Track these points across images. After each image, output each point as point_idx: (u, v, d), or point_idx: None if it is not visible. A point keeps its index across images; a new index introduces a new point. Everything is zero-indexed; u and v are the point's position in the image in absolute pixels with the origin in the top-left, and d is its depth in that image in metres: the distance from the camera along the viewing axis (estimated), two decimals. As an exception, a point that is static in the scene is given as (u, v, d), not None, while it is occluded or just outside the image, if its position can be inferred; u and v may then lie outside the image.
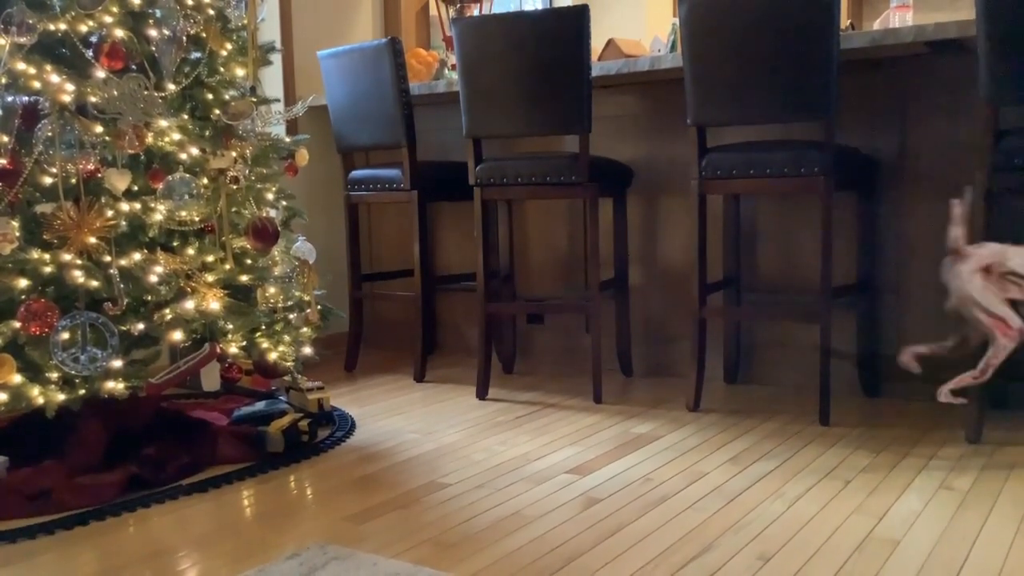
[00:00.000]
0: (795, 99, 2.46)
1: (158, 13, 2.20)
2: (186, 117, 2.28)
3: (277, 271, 2.41)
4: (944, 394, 2.32)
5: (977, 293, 2.24)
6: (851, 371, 2.87)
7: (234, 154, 2.27)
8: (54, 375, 2.00)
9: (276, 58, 2.89)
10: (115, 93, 2.04)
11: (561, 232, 3.48)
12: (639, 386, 3.08)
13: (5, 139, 2.01)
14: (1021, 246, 2.30)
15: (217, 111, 2.32)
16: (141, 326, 2.13)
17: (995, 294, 2.24)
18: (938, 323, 2.77)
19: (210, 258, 2.25)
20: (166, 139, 2.20)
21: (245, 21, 2.42)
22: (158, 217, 2.15)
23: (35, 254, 2.00)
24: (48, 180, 2.04)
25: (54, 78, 2.02)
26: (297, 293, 2.46)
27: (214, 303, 2.19)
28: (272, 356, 2.41)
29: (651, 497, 2.00)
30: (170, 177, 2.14)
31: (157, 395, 2.32)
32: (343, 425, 2.63)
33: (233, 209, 2.32)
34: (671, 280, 3.23)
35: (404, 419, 2.72)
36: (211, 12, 2.31)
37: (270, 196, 2.47)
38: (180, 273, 2.17)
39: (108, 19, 2.11)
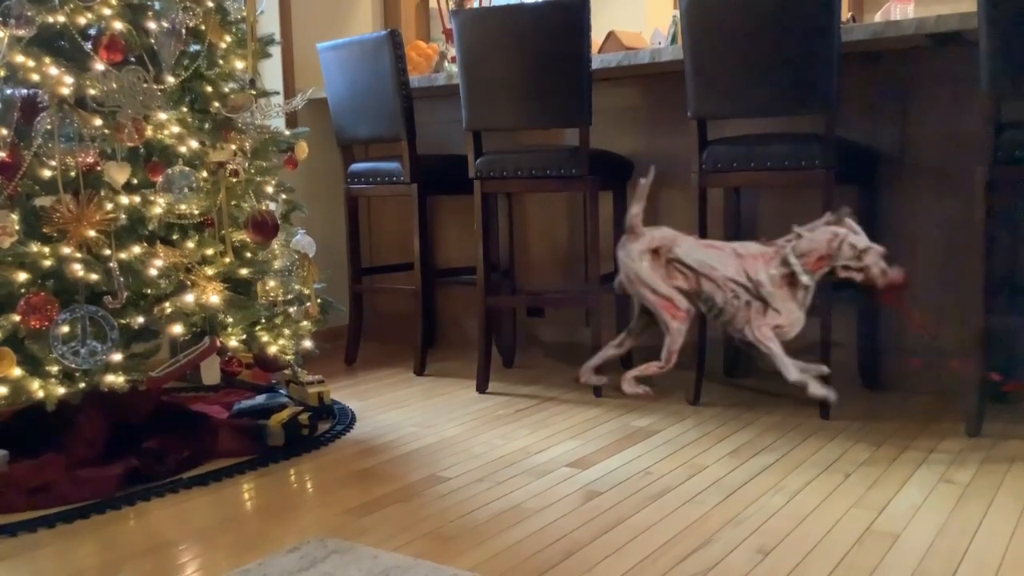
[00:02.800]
0: (796, 92, 2.46)
1: (157, 5, 2.19)
2: (185, 110, 2.27)
3: (277, 264, 2.41)
4: (628, 382, 2.34)
5: (644, 274, 2.27)
6: (851, 364, 2.87)
7: (233, 147, 2.27)
8: (54, 368, 2.00)
9: (275, 51, 2.89)
10: (114, 86, 2.04)
11: (561, 225, 3.48)
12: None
13: (4, 132, 2.01)
14: (691, 236, 2.33)
15: (216, 104, 2.32)
16: (141, 319, 2.13)
17: (663, 276, 2.27)
18: (937, 316, 2.77)
19: (210, 251, 2.24)
20: (165, 132, 2.20)
21: (244, 13, 2.42)
22: (158, 210, 2.14)
23: (35, 247, 2.00)
24: (47, 173, 2.04)
25: (53, 71, 2.01)
26: (297, 287, 2.46)
27: (214, 296, 2.19)
28: (272, 350, 2.41)
29: (651, 490, 2.00)
30: (169, 170, 2.14)
31: (157, 389, 2.32)
32: (343, 419, 2.63)
33: (233, 202, 2.31)
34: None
35: (404, 412, 2.73)
36: (210, 4, 2.30)
37: (270, 189, 2.46)
38: (180, 266, 2.16)
39: (107, 11, 2.11)
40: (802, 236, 2.27)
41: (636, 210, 2.31)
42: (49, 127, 1.99)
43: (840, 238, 2.22)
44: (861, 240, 2.24)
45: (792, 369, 2.23)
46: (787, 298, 2.23)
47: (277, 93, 2.66)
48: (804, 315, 2.27)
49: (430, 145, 3.59)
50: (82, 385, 2.04)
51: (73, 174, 2.04)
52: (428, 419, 2.64)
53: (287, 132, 2.56)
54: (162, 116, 2.17)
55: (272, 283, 2.38)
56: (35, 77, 2.02)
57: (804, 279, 2.21)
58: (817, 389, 2.19)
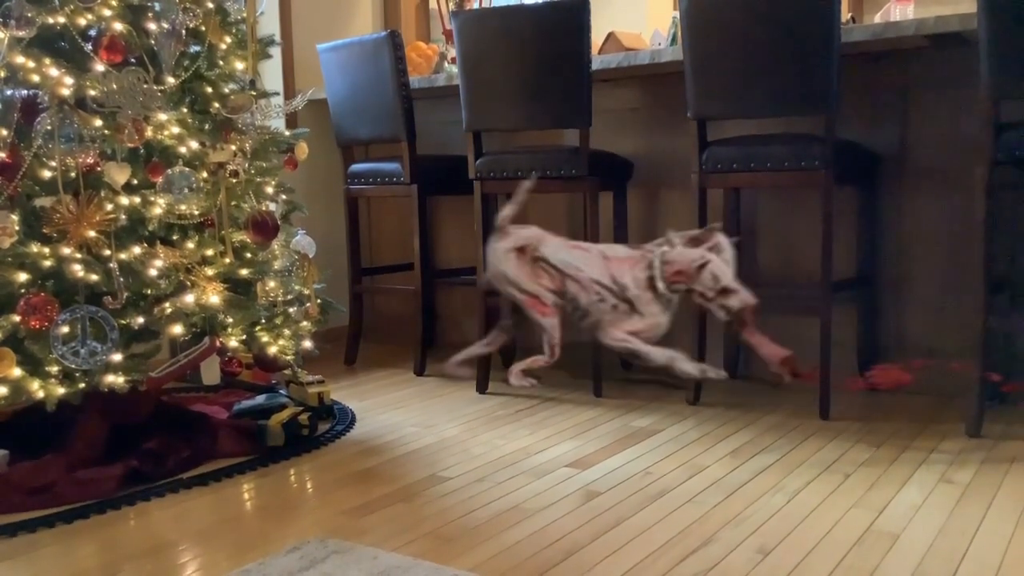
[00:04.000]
0: (796, 93, 2.46)
1: (157, 6, 2.19)
2: (185, 111, 2.27)
3: (277, 265, 2.41)
4: (515, 375, 2.37)
5: (510, 272, 2.30)
6: (851, 364, 2.87)
7: (234, 148, 2.27)
8: (54, 369, 2.00)
9: (275, 51, 2.89)
10: (114, 87, 2.04)
11: (561, 226, 3.48)
12: (639, 380, 3.08)
13: (4, 133, 2.01)
14: (559, 237, 2.35)
15: (216, 105, 2.32)
16: (141, 320, 2.13)
17: (527, 274, 2.29)
18: (937, 316, 2.78)
19: (210, 252, 2.24)
20: (165, 133, 2.20)
21: (244, 14, 2.42)
22: (158, 211, 2.14)
23: (35, 248, 2.00)
24: (47, 174, 2.04)
25: (53, 71, 2.02)
26: (297, 287, 2.46)
27: (214, 297, 2.19)
28: (272, 350, 2.41)
29: (651, 491, 2.00)
30: (169, 171, 2.14)
31: (157, 389, 2.32)
32: (343, 419, 2.63)
33: (233, 203, 2.31)
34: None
35: (404, 413, 2.73)
36: (210, 5, 2.30)
37: (270, 190, 2.46)
38: (180, 267, 2.16)
39: (107, 12, 2.11)
40: (674, 241, 2.26)
41: (507, 212, 2.36)
42: (49, 128, 1.99)
43: (706, 263, 2.17)
44: (727, 276, 2.17)
45: (657, 353, 2.22)
46: (651, 301, 2.22)
47: (277, 94, 2.66)
48: (667, 319, 2.26)
49: (430, 146, 3.59)
50: (82, 385, 2.04)
51: (73, 175, 2.04)
52: (428, 419, 2.64)
53: (287, 133, 2.56)
54: (162, 117, 2.17)
55: (272, 283, 2.38)
56: (35, 78, 2.02)
57: (660, 285, 2.20)
58: (690, 366, 2.18)
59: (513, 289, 2.32)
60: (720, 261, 2.19)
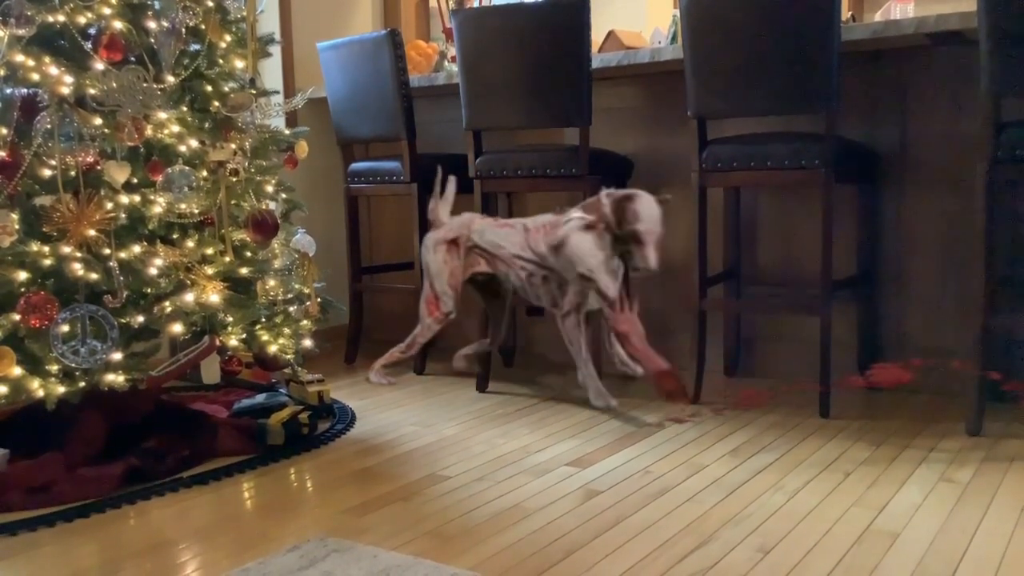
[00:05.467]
0: (796, 91, 2.46)
1: (157, 5, 2.19)
2: (185, 109, 2.27)
3: (277, 264, 2.41)
4: (375, 372, 2.38)
5: (434, 265, 2.30)
6: (851, 363, 2.87)
7: (233, 146, 2.27)
8: (54, 368, 2.00)
9: (275, 50, 2.89)
10: (114, 85, 2.04)
11: (561, 225, 3.48)
12: (639, 379, 3.08)
13: (4, 131, 2.01)
14: (489, 218, 2.35)
15: (216, 103, 2.32)
16: (141, 319, 2.13)
17: (452, 271, 2.31)
18: (937, 316, 2.78)
19: (210, 251, 2.24)
20: (165, 131, 2.20)
21: (244, 13, 2.41)
22: (157, 209, 2.14)
23: (35, 247, 2.00)
24: (47, 172, 2.04)
25: (53, 70, 2.01)
26: (297, 286, 2.46)
27: (214, 296, 2.19)
28: (272, 349, 2.41)
29: (651, 489, 2.00)
30: (169, 169, 2.14)
31: (157, 388, 2.32)
32: (343, 418, 2.63)
33: (233, 201, 2.31)
34: (671, 273, 3.22)
35: (404, 412, 2.73)
36: (210, 3, 2.30)
37: (270, 188, 2.46)
38: (180, 266, 2.16)
39: (107, 11, 2.11)
40: (603, 201, 2.30)
41: (432, 204, 2.36)
42: (49, 126, 1.99)
43: (633, 197, 2.25)
44: (648, 223, 2.24)
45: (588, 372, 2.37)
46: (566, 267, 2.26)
47: (277, 92, 2.66)
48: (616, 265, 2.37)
49: (430, 145, 3.59)
50: (82, 384, 2.04)
51: (73, 173, 2.04)
52: (428, 418, 2.64)
53: (287, 131, 2.56)
54: (162, 115, 2.17)
55: (272, 282, 2.38)
56: (35, 76, 2.02)
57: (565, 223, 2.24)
58: (597, 400, 2.45)
59: (427, 281, 2.34)
60: (650, 201, 2.24)
